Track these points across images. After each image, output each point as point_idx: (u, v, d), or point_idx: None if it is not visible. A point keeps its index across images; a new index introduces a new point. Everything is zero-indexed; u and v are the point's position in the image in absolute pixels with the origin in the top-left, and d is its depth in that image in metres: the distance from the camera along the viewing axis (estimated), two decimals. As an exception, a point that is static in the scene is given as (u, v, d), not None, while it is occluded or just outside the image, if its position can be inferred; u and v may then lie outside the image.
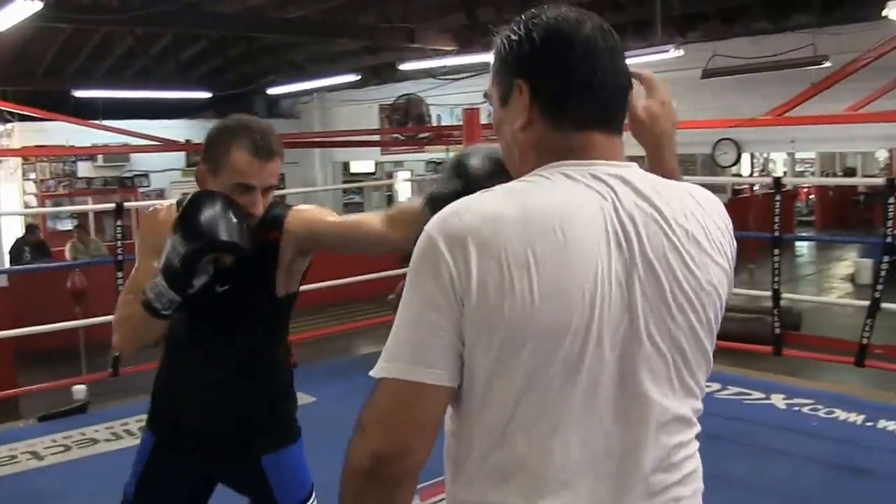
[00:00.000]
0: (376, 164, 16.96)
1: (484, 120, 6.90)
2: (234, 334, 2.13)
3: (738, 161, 10.31)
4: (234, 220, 1.91)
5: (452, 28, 10.11)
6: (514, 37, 1.23)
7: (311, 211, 2.15)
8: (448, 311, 1.13)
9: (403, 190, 18.05)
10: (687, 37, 9.09)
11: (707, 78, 8.55)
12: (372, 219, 2.06)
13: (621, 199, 1.17)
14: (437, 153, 13.70)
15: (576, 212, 1.14)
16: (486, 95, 1.30)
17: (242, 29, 9.74)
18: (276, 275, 2.11)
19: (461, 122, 12.34)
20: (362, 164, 17.22)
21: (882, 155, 15.12)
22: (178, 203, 2.11)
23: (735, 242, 1.30)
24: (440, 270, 1.12)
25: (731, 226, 1.29)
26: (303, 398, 5.64)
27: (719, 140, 9.86)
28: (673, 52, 7.54)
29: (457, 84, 12.70)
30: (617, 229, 1.15)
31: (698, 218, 1.22)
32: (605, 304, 1.13)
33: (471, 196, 1.19)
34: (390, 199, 18.43)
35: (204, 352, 2.13)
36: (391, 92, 13.53)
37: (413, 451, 1.16)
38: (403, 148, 13.31)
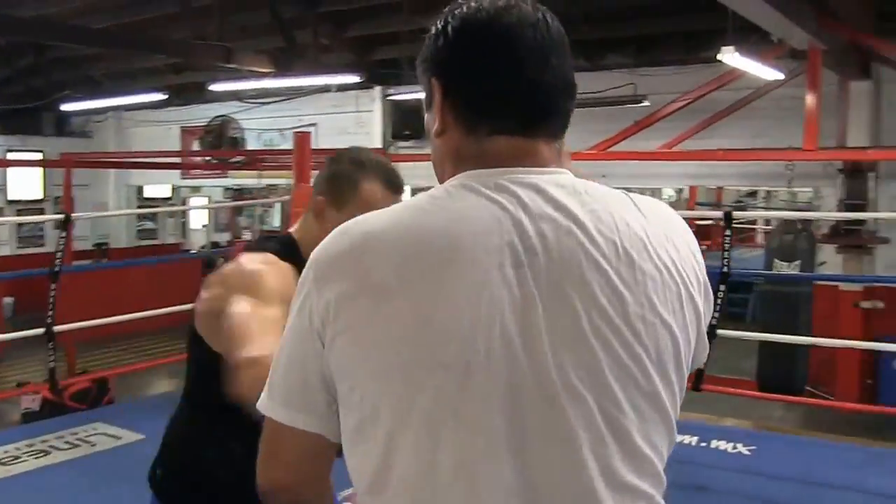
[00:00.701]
0: (174, 188, 16.17)
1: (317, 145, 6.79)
2: None
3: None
4: None
5: (269, 50, 9.82)
6: (433, 30, 1.09)
7: None
8: (310, 345, 1.02)
9: (197, 217, 17.31)
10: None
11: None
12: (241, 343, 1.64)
13: (530, 210, 0.99)
14: (242, 179, 13.27)
15: (465, 228, 0.97)
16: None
17: (42, 37, 8.96)
18: None
19: (268, 147, 12.20)
20: (157, 188, 16.38)
21: (668, 192, 16.21)
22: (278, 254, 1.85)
23: (701, 262, 1.09)
24: (304, 300, 1.03)
25: (694, 244, 1.09)
26: (129, 435, 5.33)
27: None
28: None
29: (265, 108, 12.37)
30: (517, 247, 0.97)
31: (638, 230, 1.02)
32: (493, 337, 0.94)
33: (364, 215, 1.06)
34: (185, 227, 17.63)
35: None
36: (194, 114, 12.97)
37: (289, 488, 1.08)
38: (209, 172, 12.79)
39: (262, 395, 1.08)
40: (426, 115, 1.13)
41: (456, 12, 1.07)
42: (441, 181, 1.10)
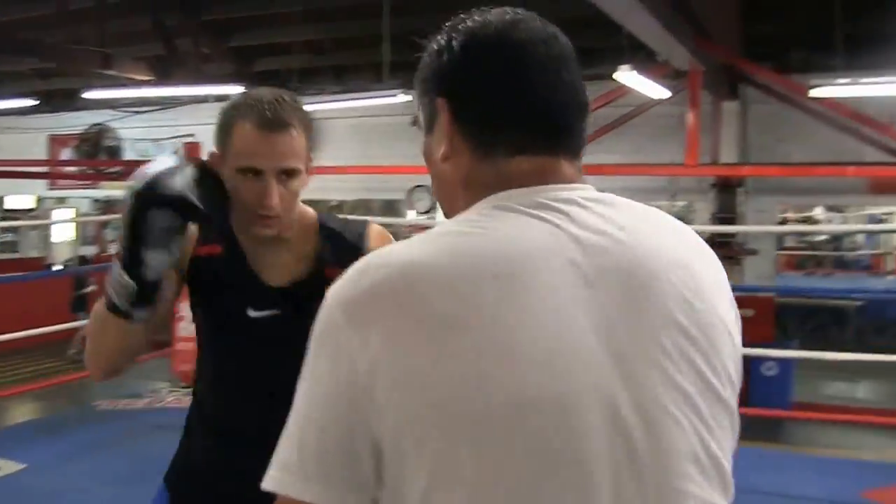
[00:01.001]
0: (39, 199, 15.41)
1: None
2: (280, 367, 1.76)
3: (434, 207, 10.73)
4: (203, 184, 1.50)
5: (148, 57, 9.54)
6: (435, 46, 1.02)
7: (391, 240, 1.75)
8: (354, 403, 0.85)
9: (61, 231, 16.47)
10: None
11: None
12: None
13: (582, 226, 0.92)
14: (112, 190, 12.76)
15: (520, 249, 0.89)
16: (415, 121, 1.08)
17: None
18: None
19: (143, 158, 11.81)
20: (19, 199, 15.57)
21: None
22: None
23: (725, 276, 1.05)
24: (338, 351, 0.87)
25: (714, 255, 1.04)
26: (9, 465, 5.01)
27: (415, 187, 10.20)
28: (402, 97, 7.56)
29: (140, 118, 12.00)
30: (581, 265, 0.89)
31: (677, 242, 0.98)
32: (577, 363, 0.85)
33: (388, 246, 0.94)
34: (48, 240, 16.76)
35: (250, 387, 1.74)
36: (64, 121, 12.45)
37: None
38: (78, 183, 12.27)
39: (278, 472, 0.89)
40: (425, 139, 1.04)
41: (460, 27, 1.01)
42: (451, 210, 1.01)
